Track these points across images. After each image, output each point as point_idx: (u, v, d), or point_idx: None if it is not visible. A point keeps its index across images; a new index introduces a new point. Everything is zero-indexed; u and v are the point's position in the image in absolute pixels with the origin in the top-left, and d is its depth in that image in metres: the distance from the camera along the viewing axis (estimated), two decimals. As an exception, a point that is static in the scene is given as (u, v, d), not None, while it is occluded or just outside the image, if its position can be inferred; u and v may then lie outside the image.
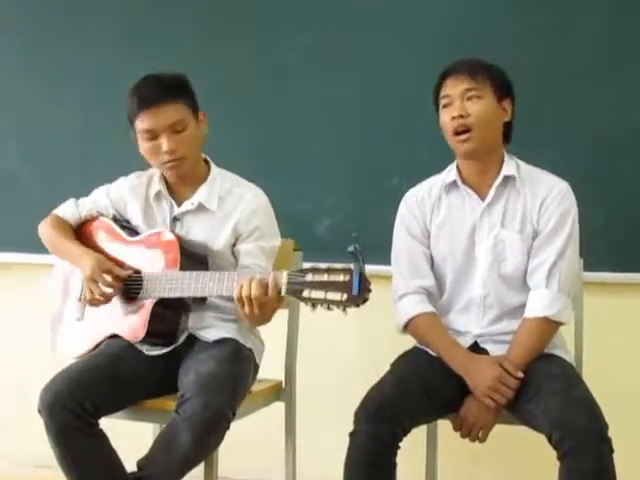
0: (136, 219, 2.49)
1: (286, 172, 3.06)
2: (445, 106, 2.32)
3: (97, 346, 2.42)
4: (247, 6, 3.12)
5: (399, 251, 2.44)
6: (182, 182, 2.45)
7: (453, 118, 2.29)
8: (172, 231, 2.42)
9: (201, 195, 2.43)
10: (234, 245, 2.43)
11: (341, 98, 3.03)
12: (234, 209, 2.42)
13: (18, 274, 3.35)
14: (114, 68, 3.20)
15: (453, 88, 2.31)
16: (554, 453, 2.05)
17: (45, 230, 2.52)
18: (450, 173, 2.41)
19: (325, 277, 1.97)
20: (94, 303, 2.35)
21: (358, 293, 1.95)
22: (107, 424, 2.27)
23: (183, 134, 2.36)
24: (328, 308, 1.98)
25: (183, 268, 2.29)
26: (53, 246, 2.51)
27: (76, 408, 2.19)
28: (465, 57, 2.36)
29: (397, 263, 2.44)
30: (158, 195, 2.47)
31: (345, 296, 1.96)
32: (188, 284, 2.23)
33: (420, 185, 2.48)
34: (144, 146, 2.38)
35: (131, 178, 2.55)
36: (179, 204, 2.46)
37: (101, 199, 2.54)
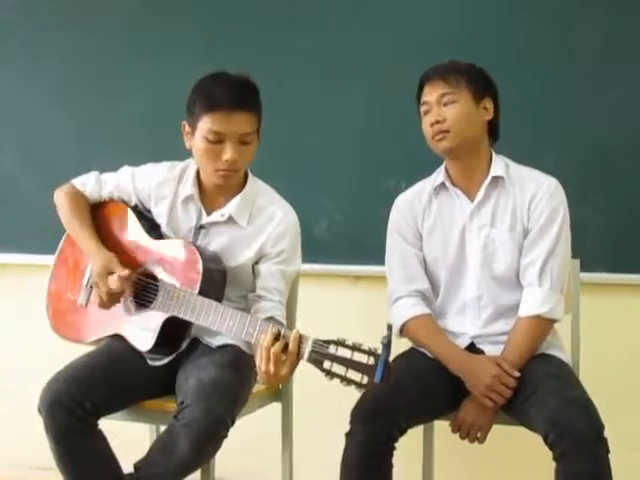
0: (159, 217, 2.41)
1: (284, 174, 3.05)
2: (425, 113, 2.35)
3: (98, 341, 2.39)
4: (248, 8, 3.12)
5: (392, 256, 2.45)
6: (218, 190, 2.36)
7: (432, 124, 2.30)
8: (195, 241, 2.35)
9: (233, 208, 2.35)
10: (256, 262, 2.38)
11: (340, 100, 3.03)
12: (264, 227, 2.36)
13: (17, 275, 3.35)
14: (114, 70, 3.20)
15: (429, 95, 2.33)
16: (550, 453, 2.05)
17: (62, 203, 2.44)
18: (439, 175, 2.42)
19: (349, 354, 1.93)
20: (102, 306, 2.30)
21: (380, 381, 1.91)
22: (105, 425, 2.28)
23: (248, 147, 2.28)
24: (345, 385, 1.93)
25: (202, 285, 2.22)
26: (69, 225, 2.43)
27: (76, 408, 2.18)
28: (442, 61, 2.38)
29: (390, 267, 2.45)
30: (189, 198, 2.39)
31: (366, 379, 1.91)
32: (206, 314, 2.16)
33: (410, 189, 2.49)
34: (202, 147, 2.26)
35: (161, 170, 2.43)
36: (208, 212, 2.38)
37: (125, 183, 2.44)
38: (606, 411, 2.09)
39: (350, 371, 1.92)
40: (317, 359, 1.95)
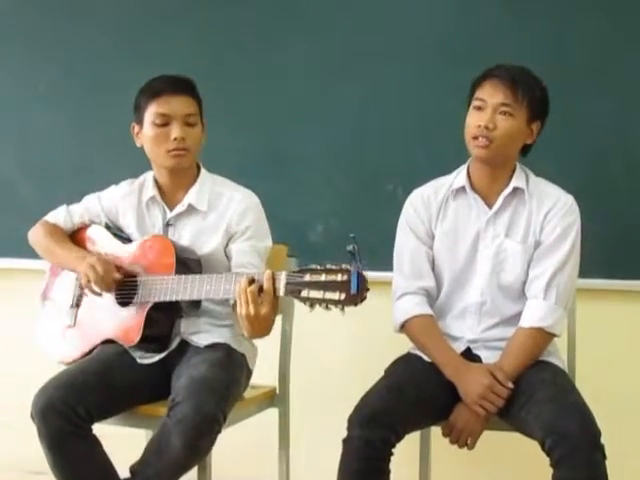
0: (129, 227, 2.49)
1: (280, 177, 3.06)
2: (476, 108, 2.30)
3: (90, 351, 2.42)
4: (246, 10, 3.12)
5: (402, 250, 2.43)
6: (174, 184, 2.46)
7: (479, 125, 2.27)
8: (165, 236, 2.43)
9: (191, 196, 2.45)
10: (226, 246, 2.43)
11: (337, 104, 3.03)
12: (225, 211, 2.44)
13: (16, 279, 3.35)
14: (113, 73, 3.20)
15: (490, 95, 2.28)
16: (547, 459, 2.05)
17: (38, 237, 2.52)
18: (459, 177, 2.39)
19: (323, 277, 1.98)
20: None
21: (356, 292, 1.96)
22: (100, 430, 2.27)
23: (194, 129, 2.41)
24: (326, 308, 1.99)
25: (178, 270, 2.29)
26: (49, 252, 2.50)
27: (69, 413, 2.19)
28: (515, 65, 2.33)
29: (399, 262, 2.43)
30: (151, 200, 2.48)
31: (343, 295, 1.97)
32: (184, 287, 2.24)
33: (427, 185, 2.46)
34: (151, 133, 2.40)
35: (123, 186, 2.56)
36: (171, 208, 2.47)
37: (93, 206, 2.54)
38: (602, 417, 2.10)
39: (327, 292, 1.98)
40: (294, 290, 2.02)
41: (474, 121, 2.29)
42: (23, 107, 3.32)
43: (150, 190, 2.48)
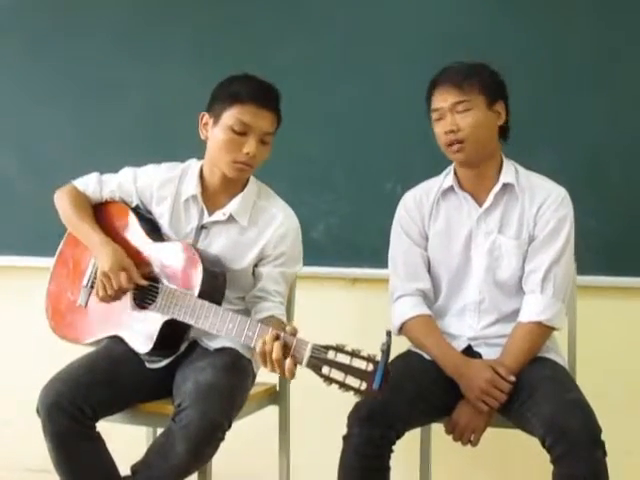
0: (162, 217, 2.41)
1: (281, 176, 3.04)
2: (437, 120, 2.32)
3: (97, 342, 2.39)
4: (245, 11, 3.12)
5: (396, 253, 2.44)
6: (221, 188, 2.39)
7: (446, 132, 2.29)
8: (196, 242, 2.36)
9: (234, 206, 2.37)
10: (256, 265, 2.39)
11: (336, 103, 3.03)
12: (265, 230, 2.37)
13: (17, 277, 3.35)
14: (112, 72, 3.20)
15: (442, 102, 2.30)
16: (547, 456, 2.05)
17: (63, 202, 2.44)
18: (447, 178, 2.41)
19: (348, 360, 1.92)
20: (104, 299, 2.29)
21: (379, 388, 1.90)
22: (101, 427, 2.28)
23: (266, 147, 2.34)
24: (344, 390, 1.93)
25: (202, 288, 2.22)
26: (70, 223, 2.43)
27: (74, 410, 2.18)
28: (453, 63, 2.34)
29: (394, 265, 2.44)
30: (192, 198, 2.39)
31: (364, 386, 1.90)
32: (206, 316, 2.17)
33: (418, 187, 2.47)
34: (224, 137, 2.29)
35: (163, 169, 2.45)
36: (210, 212, 2.39)
37: (127, 183, 2.44)
38: (603, 414, 2.10)
39: (349, 377, 1.91)
40: (316, 364, 1.95)
41: (439, 131, 2.31)
42: (23, 106, 3.33)
43: (193, 187, 2.38)
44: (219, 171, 2.36)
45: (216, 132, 2.31)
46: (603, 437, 2.04)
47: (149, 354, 2.30)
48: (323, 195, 3.06)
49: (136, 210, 2.43)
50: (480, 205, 2.36)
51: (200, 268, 2.24)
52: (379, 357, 1.90)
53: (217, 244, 2.37)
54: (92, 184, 2.47)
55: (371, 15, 3.00)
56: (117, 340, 2.34)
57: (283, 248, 2.37)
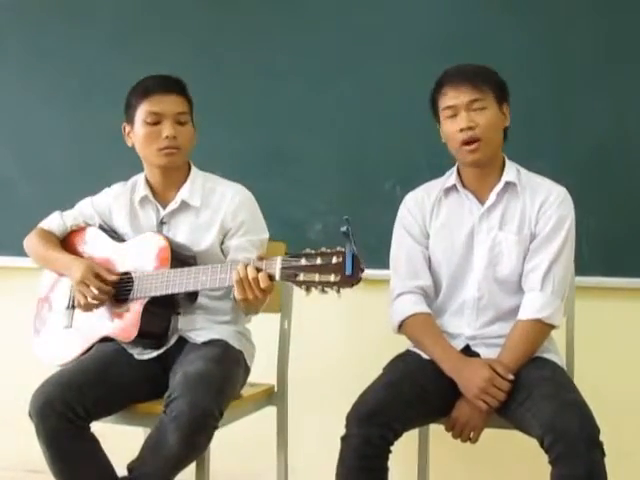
0: (123, 227, 2.51)
1: (278, 176, 3.06)
2: (449, 117, 2.31)
3: (87, 350, 2.42)
4: (243, 10, 3.12)
5: (398, 251, 2.44)
6: (166, 182, 2.48)
7: (462, 130, 2.28)
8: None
9: (183, 193, 2.46)
10: (222, 243, 2.45)
11: (335, 102, 3.03)
12: (219, 207, 2.45)
13: (15, 278, 3.35)
14: (110, 73, 3.20)
15: (456, 99, 2.29)
16: (545, 457, 2.04)
17: (31, 243, 2.54)
18: (450, 177, 2.41)
19: (318, 260, 1.99)
20: (88, 307, 2.36)
21: (351, 273, 1.96)
22: (97, 428, 2.27)
23: (185, 127, 2.43)
24: (322, 290, 2.00)
25: (172, 262, 2.31)
26: (40, 256, 2.52)
27: (67, 412, 2.19)
28: (460, 64, 2.34)
29: (396, 264, 2.44)
30: (144, 200, 2.50)
31: (338, 277, 1.97)
32: (180, 280, 2.25)
33: (420, 188, 2.48)
34: (143, 132, 2.41)
35: (115, 188, 2.57)
36: (164, 206, 2.48)
37: (86, 209, 2.56)
38: (601, 415, 2.09)
39: (323, 275, 1.98)
40: (289, 274, 2.02)
41: (454, 128, 2.30)
42: (22, 106, 3.33)
43: (142, 190, 2.50)
44: (154, 167, 2.46)
45: (136, 132, 2.44)
46: (601, 438, 2.04)
47: (137, 343, 2.34)
48: (321, 195, 3.05)
49: (101, 228, 2.54)
50: (482, 203, 2.36)
51: (167, 246, 2.34)
52: (345, 247, 1.97)
53: (180, 234, 2.45)
54: (55, 220, 2.57)
55: (370, 15, 3.00)
56: (107, 342, 2.39)
57: (241, 218, 2.44)
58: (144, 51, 3.19)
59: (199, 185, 2.48)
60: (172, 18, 3.19)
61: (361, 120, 3.02)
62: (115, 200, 2.53)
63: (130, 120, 2.45)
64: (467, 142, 2.29)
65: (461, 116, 2.29)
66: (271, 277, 2.09)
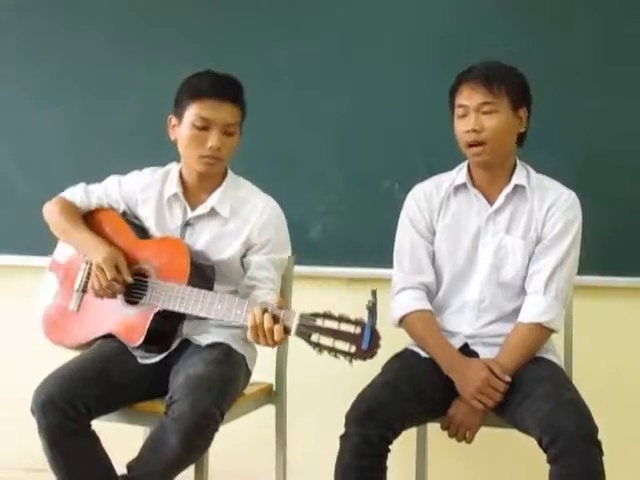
0: (148, 219, 2.46)
1: (279, 177, 3.05)
2: (460, 116, 2.31)
3: (90, 343, 2.41)
4: (243, 10, 3.12)
5: (402, 245, 2.43)
6: (200, 184, 2.44)
7: (468, 131, 2.28)
8: (182, 239, 2.40)
9: (214, 200, 2.42)
10: (244, 256, 2.42)
11: (334, 103, 3.03)
12: (247, 219, 2.41)
13: (16, 276, 3.35)
14: (109, 72, 3.19)
15: (469, 99, 2.29)
16: (544, 456, 2.05)
17: (52, 213, 2.48)
18: (460, 174, 2.40)
19: (336, 325, 1.96)
20: (99, 294, 2.33)
21: (368, 348, 1.94)
22: (98, 427, 2.28)
23: (231, 138, 2.38)
24: (335, 356, 1.97)
25: (191, 278, 2.27)
26: (60, 229, 2.47)
27: (69, 409, 2.19)
28: (483, 62, 2.33)
29: (399, 258, 2.43)
30: (174, 197, 2.45)
31: (354, 348, 1.95)
32: (195, 301, 2.21)
33: (428, 180, 2.46)
34: (188, 134, 2.35)
35: (146, 174, 2.52)
36: (193, 208, 2.44)
37: (113, 190, 2.50)
38: (599, 414, 2.10)
39: (338, 342, 1.96)
40: (304, 332, 2.00)
41: (461, 128, 2.31)
42: (22, 106, 3.32)
43: (174, 186, 2.45)
44: (192, 169, 2.41)
45: (181, 131, 2.38)
46: (599, 437, 2.05)
47: (141, 348, 2.32)
48: (320, 195, 3.06)
49: (124, 215, 2.49)
50: (491, 204, 2.36)
51: (188, 259, 2.29)
52: (366, 319, 1.94)
53: (202, 239, 2.41)
54: (80, 193, 2.52)
55: (369, 14, 3.00)
56: (110, 339, 2.37)
57: (268, 235, 2.41)
58: (144, 51, 3.18)
59: (231, 194, 2.44)
60: (172, 18, 3.18)
61: (360, 119, 3.01)
62: (143, 190, 2.47)
63: (178, 115, 2.39)
64: (472, 144, 2.29)
65: (470, 117, 2.28)
66: (287, 330, 2.05)
